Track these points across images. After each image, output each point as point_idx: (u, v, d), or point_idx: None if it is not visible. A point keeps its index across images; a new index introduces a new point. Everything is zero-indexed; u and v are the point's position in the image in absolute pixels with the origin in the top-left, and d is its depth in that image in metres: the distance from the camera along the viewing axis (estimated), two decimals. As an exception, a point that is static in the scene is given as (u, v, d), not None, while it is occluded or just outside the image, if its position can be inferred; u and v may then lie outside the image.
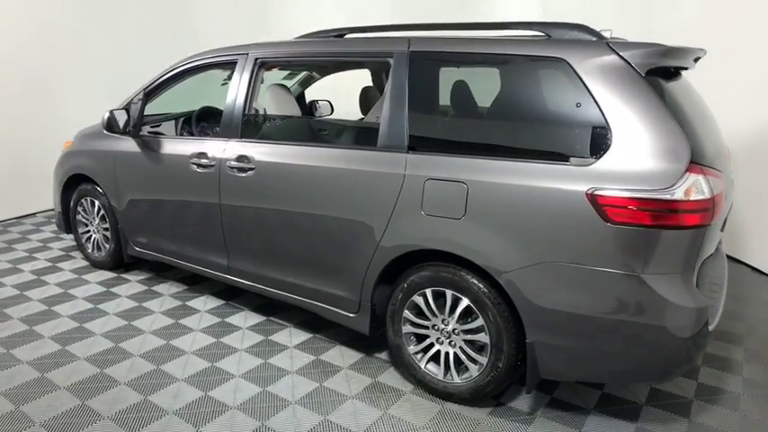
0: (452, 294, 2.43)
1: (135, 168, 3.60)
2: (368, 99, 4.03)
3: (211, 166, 3.14)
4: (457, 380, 2.51)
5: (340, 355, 2.97)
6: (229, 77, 3.94)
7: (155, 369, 2.80)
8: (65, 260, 4.36)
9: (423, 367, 2.60)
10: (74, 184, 4.15)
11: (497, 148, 2.31)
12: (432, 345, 2.58)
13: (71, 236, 4.70)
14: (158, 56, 6.24)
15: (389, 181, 2.50)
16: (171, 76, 3.53)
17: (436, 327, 2.54)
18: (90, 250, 4.17)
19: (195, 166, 3.22)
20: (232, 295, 3.71)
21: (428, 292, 2.50)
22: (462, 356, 2.49)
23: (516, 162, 2.23)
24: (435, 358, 2.58)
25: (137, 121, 3.55)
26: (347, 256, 2.70)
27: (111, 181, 3.76)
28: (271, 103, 3.32)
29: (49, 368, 2.79)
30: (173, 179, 3.38)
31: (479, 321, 2.38)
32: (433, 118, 2.56)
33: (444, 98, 2.57)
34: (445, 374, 2.55)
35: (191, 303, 3.59)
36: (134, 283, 3.91)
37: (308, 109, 4.79)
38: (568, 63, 2.19)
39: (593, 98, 2.12)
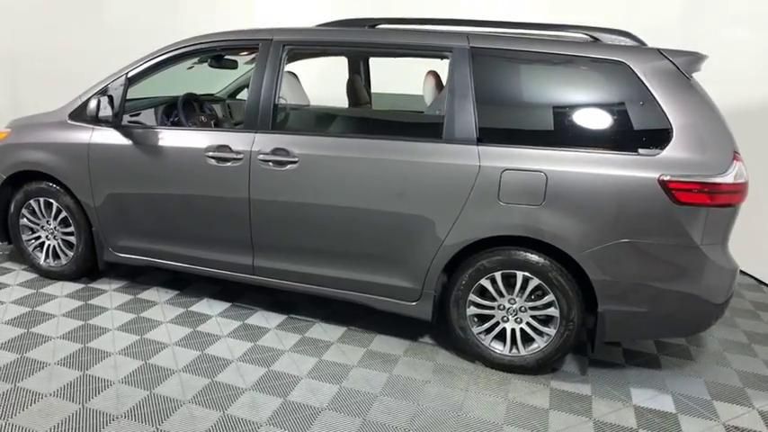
0: (523, 275, 2.65)
1: (121, 163, 3.18)
2: (355, 88, 4.00)
3: (238, 159, 2.93)
4: (523, 352, 2.75)
5: (387, 344, 3.02)
6: (203, 61, 3.66)
7: (210, 382, 2.59)
8: (1, 273, 3.67)
9: (488, 345, 2.79)
10: (11, 184, 3.51)
11: (569, 139, 2.55)
12: (496, 323, 2.77)
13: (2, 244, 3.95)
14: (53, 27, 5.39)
15: (462, 172, 2.61)
16: (166, 58, 3.16)
17: (501, 306, 2.74)
18: (42, 260, 3.57)
19: (213, 161, 2.97)
20: (234, 296, 3.49)
21: (497, 275, 2.68)
22: (529, 331, 2.72)
23: (590, 153, 2.50)
24: (498, 335, 2.78)
25: (118, 110, 3.13)
26: (410, 248, 2.76)
27: (82, 178, 3.26)
28: (287, 92, 3.17)
29: (87, 398, 2.42)
30: (179, 175, 3.07)
31: (549, 297, 2.64)
32: (503, 111, 2.71)
33: (510, 92, 2.73)
34: (510, 349, 2.77)
35: (195, 309, 3.31)
36: (112, 293, 3.46)
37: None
38: (630, 66, 2.50)
39: (654, 97, 2.46)
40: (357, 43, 2.92)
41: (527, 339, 2.75)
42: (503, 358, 2.78)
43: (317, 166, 2.82)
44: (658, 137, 2.46)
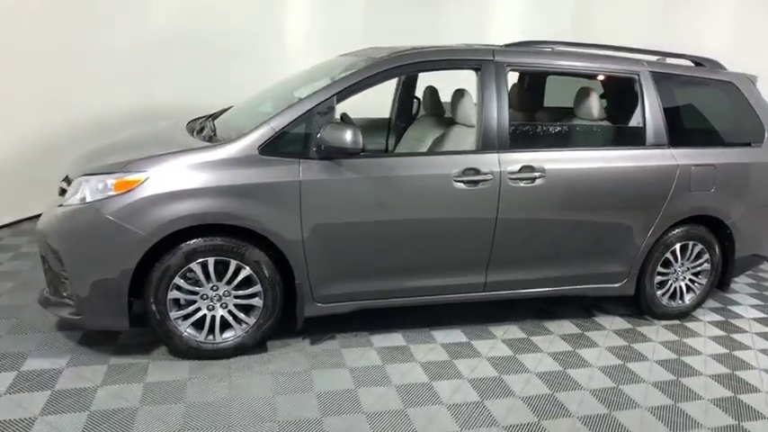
0: (692, 244, 3.52)
1: (346, 199, 2.77)
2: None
3: (487, 181, 2.93)
4: (685, 302, 3.64)
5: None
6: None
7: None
8: (136, 372, 2.61)
9: (666, 303, 3.59)
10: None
11: (734, 141, 3.52)
12: (670, 285, 3.59)
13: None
14: None
15: (667, 171, 3.30)
16: (373, 80, 2.84)
17: (674, 270, 3.56)
18: (202, 337, 2.72)
19: (462, 184, 2.90)
20: (431, 319, 3.34)
21: (677, 246, 3.49)
22: (686, 285, 3.62)
23: (742, 148, 3.52)
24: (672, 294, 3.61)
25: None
26: (628, 239, 3.31)
27: (290, 224, 2.68)
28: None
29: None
30: (420, 203, 2.90)
31: (706, 256, 3.58)
32: (678, 121, 3.45)
33: (676, 104, 3.49)
34: (676, 301, 3.63)
35: (478, 346, 3.10)
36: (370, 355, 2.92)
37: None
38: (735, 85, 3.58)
39: None
40: (576, 68, 3.27)
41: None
42: (672, 310, 3.61)
43: (560, 179, 3.08)
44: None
